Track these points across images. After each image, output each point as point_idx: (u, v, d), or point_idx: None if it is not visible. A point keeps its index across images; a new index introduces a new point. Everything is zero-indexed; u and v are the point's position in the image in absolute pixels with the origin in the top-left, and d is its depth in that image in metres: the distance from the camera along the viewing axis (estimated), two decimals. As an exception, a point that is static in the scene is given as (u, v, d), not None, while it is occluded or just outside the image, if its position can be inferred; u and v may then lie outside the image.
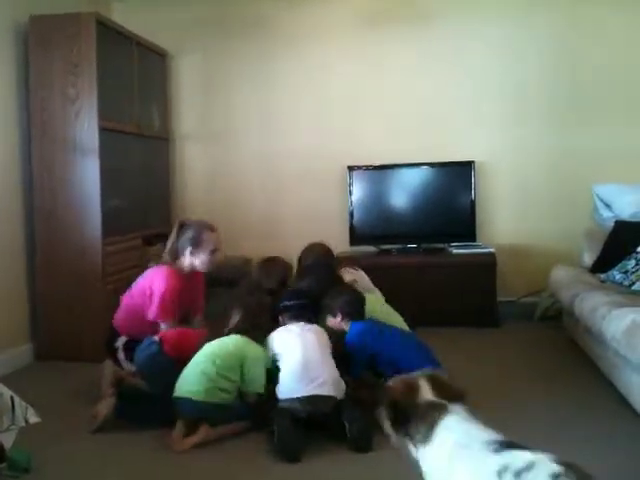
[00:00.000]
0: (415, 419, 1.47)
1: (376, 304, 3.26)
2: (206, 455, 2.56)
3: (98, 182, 3.86)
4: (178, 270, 3.28)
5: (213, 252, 3.30)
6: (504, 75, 4.74)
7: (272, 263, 3.58)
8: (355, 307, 3.05)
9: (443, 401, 1.49)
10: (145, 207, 4.53)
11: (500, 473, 1.24)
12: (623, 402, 2.91)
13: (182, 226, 3.35)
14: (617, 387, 3.04)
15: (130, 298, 3.32)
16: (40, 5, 3.98)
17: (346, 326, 3.01)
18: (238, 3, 4.96)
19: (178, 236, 3.31)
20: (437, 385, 1.57)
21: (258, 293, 3.30)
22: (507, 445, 1.30)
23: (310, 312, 3.04)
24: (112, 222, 3.98)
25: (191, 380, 2.72)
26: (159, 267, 3.29)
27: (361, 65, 4.87)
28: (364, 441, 2.56)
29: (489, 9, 4.71)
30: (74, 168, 3.88)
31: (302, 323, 2.95)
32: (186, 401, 2.68)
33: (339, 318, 3.03)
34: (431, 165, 4.76)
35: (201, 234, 3.28)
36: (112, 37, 4.10)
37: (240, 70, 5.01)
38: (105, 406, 2.80)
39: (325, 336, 2.92)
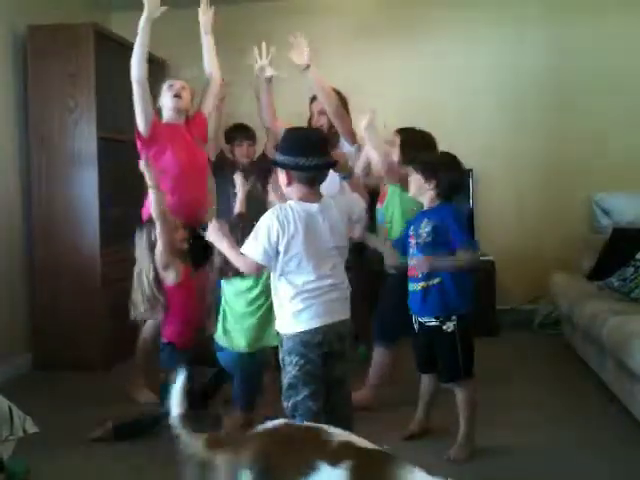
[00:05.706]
0: None
1: None
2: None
3: (97, 192, 3.87)
4: None
5: (175, 96, 3.51)
6: (502, 83, 4.75)
7: None
8: None
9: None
10: (144, 216, 4.52)
11: None
12: (623, 410, 2.91)
13: None
14: (616, 395, 3.03)
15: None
16: (38, 15, 4.00)
17: None
18: (235, 14, 4.97)
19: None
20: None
21: None
22: None
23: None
24: (111, 231, 3.98)
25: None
26: None
27: (358, 73, 4.87)
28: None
29: (486, 18, 4.73)
30: (72, 178, 3.88)
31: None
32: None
33: None
34: (429, 173, 4.76)
35: (164, 83, 3.58)
36: (111, 47, 4.10)
37: (237, 80, 5.01)
38: (102, 430, 2.82)
39: None
